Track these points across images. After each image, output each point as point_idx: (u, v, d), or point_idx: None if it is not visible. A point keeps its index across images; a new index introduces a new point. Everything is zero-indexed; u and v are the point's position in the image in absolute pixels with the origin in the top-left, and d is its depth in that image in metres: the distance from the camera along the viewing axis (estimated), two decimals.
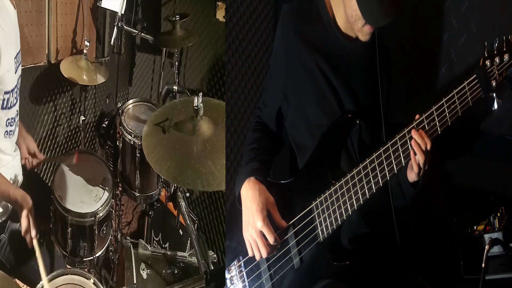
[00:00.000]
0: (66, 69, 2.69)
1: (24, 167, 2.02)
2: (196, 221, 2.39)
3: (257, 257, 1.54)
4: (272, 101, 1.70)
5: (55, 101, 3.02)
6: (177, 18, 2.69)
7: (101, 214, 2.25)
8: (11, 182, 1.87)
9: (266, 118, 1.73)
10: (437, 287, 1.61)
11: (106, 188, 2.36)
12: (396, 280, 1.60)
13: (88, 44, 2.77)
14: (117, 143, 2.54)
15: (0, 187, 1.73)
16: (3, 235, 1.86)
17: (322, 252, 1.52)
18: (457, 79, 1.38)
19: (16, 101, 1.78)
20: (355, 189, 1.47)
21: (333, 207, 1.50)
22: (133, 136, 2.41)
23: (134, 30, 2.84)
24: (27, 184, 1.96)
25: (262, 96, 1.83)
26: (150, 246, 2.45)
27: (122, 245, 2.58)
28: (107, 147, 2.74)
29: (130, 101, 2.61)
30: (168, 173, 1.63)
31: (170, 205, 2.54)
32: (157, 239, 3.00)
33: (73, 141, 3.28)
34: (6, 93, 1.68)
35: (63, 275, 1.82)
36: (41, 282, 1.75)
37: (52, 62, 2.82)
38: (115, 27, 2.78)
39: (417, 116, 1.42)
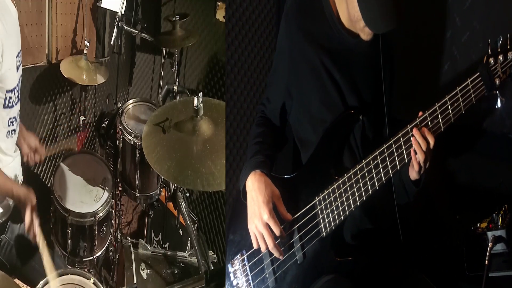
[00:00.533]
0: (66, 69, 2.69)
1: (27, 168, 2.02)
2: (196, 221, 2.40)
3: (263, 249, 1.54)
4: (276, 96, 1.71)
5: (55, 101, 3.02)
6: (177, 18, 2.69)
7: (101, 214, 2.26)
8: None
9: (269, 113, 1.73)
10: (440, 284, 1.60)
11: (106, 188, 2.36)
12: (399, 277, 1.60)
13: (88, 44, 2.77)
14: (117, 143, 2.54)
15: (3, 185, 1.73)
16: (3, 235, 1.86)
17: (325, 247, 1.53)
18: (460, 77, 1.37)
19: (18, 100, 1.78)
20: (358, 185, 1.47)
21: (336, 203, 1.50)
22: (133, 136, 2.41)
23: (134, 30, 2.84)
24: (27, 184, 1.96)
25: (265, 91, 1.83)
26: (150, 246, 2.45)
27: (122, 245, 2.58)
28: (107, 147, 2.74)
29: (130, 101, 2.61)
30: (168, 173, 1.63)
31: (170, 205, 2.54)
32: (157, 239, 3.00)
33: (73, 141, 3.28)
34: (8, 91, 1.68)
35: (63, 275, 1.82)
36: (41, 282, 1.75)
37: (52, 62, 2.82)
38: (115, 27, 2.78)
39: (420, 113, 1.42)
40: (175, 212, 2.65)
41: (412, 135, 1.40)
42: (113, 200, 2.47)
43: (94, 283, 1.83)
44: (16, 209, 1.83)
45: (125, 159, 2.55)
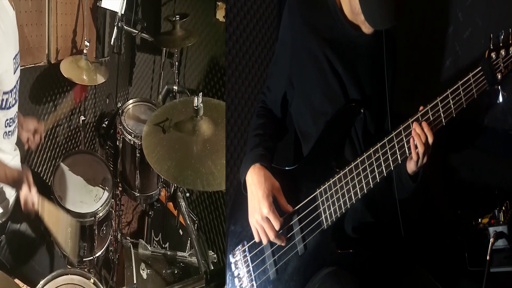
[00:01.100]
0: (66, 69, 2.69)
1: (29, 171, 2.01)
2: (196, 221, 2.40)
3: (264, 242, 1.55)
4: (277, 86, 1.71)
5: (55, 101, 3.02)
6: (177, 18, 2.69)
7: (101, 214, 2.26)
8: None
9: (270, 103, 1.73)
10: (441, 279, 1.61)
11: (106, 188, 2.36)
12: (400, 271, 1.60)
13: (88, 44, 2.77)
14: (117, 143, 2.54)
15: None
16: (3, 236, 1.86)
17: (326, 239, 1.53)
18: (462, 72, 1.37)
19: (15, 102, 1.78)
20: (359, 178, 1.47)
21: (337, 195, 1.51)
22: (133, 136, 2.41)
23: (134, 30, 2.84)
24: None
25: (266, 81, 1.83)
26: (150, 246, 2.46)
27: (122, 245, 2.58)
28: (107, 147, 2.74)
29: (130, 101, 2.61)
30: (168, 173, 1.63)
31: (170, 205, 2.54)
32: (157, 239, 3.00)
33: (73, 141, 3.28)
34: (4, 93, 1.68)
35: (63, 275, 1.82)
36: (41, 282, 1.75)
37: (52, 62, 2.81)
38: (115, 27, 2.78)
39: (421, 108, 1.42)
40: (175, 212, 2.65)
41: (413, 128, 1.41)
42: (113, 200, 2.47)
43: (94, 283, 1.83)
44: (16, 209, 1.82)
45: (125, 159, 2.55)
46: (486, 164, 2.07)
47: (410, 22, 1.99)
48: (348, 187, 1.49)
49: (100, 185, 2.37)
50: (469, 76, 1.35)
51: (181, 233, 2.75)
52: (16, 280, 1.88)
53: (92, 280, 1.84)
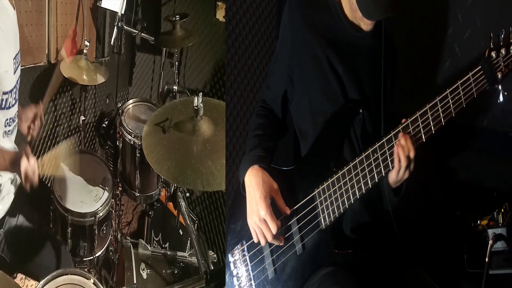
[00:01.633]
0: (66, 69, 2.69)
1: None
2: (196, 221, 2.40)
3: (262, 243, 1.55)
4: (277, 84, 1.70)
5: (55, 101, 3.02)
6: (177, 18, 2.69)
7: (101, 214, 2.26)
8: (10, 181, 1.87)
9: (270, 101, 1.73)
10: (440, 280, 1.61)
11: (106, 188, 2.36)
12: (399, 271, 1.61)
13: (88, 44, 2.77)
14: (117, 143, 2.54)
15: None
16: (1, 229, 1.85)
17: (324, 239, 1.53)
18: (462, 73, 1.37)
19: (15, 102, 1.78)
20: (358, 178, 1.47)
21: (336, 195, 1.51)
22: (133, 136, 2.41)
23: (134, 30, 2.84)
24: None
25: (266, 79, 1.83)
26: (150, 246, 2.45)
27: (122, 245, 2.58)
28: (107, 147, 2.74)
29: (130, 101, 2.61)
30: (168, 173, 1.63)
31: (170, 205, 2.54)
32: (157, 239, 3.00)
33: (73, 141, 3.28)
34: (4, 93, 1.68)
35: (63, 275, 1.82)
36: (41, 282, 1.75)
37: (52, 62, 2.81)
38: (115, 27, 2.78)
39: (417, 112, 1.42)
40: (175, 212, 2.65)
41: (414, 128, 1.40)
42: (113, 200, 2.47)
43: (94, 283, 1.83)
44: (13, 203, 1.83)
45: (125, 159, 2.55)
46: (486, 166, 2.07)
47: (410, 23, 1.99)
48: (346, 187, 1.49)
49: (100, 185, 2.37)
50: (469, 75, 1.35)
51: (181, 233, 2.75)
52: (18, 277, 1.88)
53: (92, 280, 1.83)
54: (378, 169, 1.45)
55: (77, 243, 2.26)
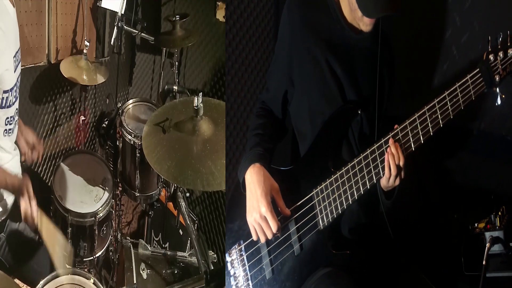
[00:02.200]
0: (66, 69, 2.69)
1: (25, 166, 2.01)
2: (196, 221, 2.40)
3: (262, 240, 1.56)
4: (276, 86, 1.71)
5: (55, 101, 3.02)
6: (177, 18, 2.69)
7: (101, 214, 2.26)
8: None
9: (270, 103, 1.74)
10: (438, 283, 1.61)
11: (106, 188, 2.36)
12: (396, 273, 1.61)
13: (88, 44, 2.77)
14: (117, 143, 2.54)
15: None
16: (2, 234, 1.85)
17: (322, 240, 1.53)
18: (459, 76, 1.38)
19: (16, 100, 1.78)
20: (356, 179, 1.48)
21: (334, 196, 1.51)
22: (133, 136, 2.41)
23: (134, 30, 2.84)
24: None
25: (266, 82, 1.83)
26: (150, 246, 2.45)
27: (122, 245, 2.58)
28: (107, 147, 2.74)
29: (130, 101, 2.61)
30: (168, 173, 1.63)
31: (170, 205, 2.54)
32: (157, 239, 3.00)
33: (73, 141, 3.28)
34: (5, 92, 1.68)
35: (63, 275, 1.82)
36: (41, 282, 1.75)
37: (52, 62, 2.81)
38: (115, 27, 2.77)
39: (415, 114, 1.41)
40: (175, 212, 2.65)
41: (412, 129, 1.40)
42: (113, 200, 2.47)
43: (94, 283, 1.83)
44: (15, 208, 1.82)
45: (125, 159, 2.55)
46: (483, 169, 2.07)
47: (408, 25, 1.99)
48: (344, 187, 1.49)
49: (100, 185, 2.37)
50: (466, 78, 1.35)
51: (181, 233, 2.75)
52: (16, 280, 1.88)
53: (92, 280, 1.84)
54: (376, 170, 1.45)
55: (77, 243, 2.26)
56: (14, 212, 1.83)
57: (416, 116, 1.40)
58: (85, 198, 2.29)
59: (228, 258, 1.69)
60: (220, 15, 2.94)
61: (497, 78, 1.32)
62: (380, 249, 1.64)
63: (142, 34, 2.82)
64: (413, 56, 2.05)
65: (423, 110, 1.39)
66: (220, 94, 3.06)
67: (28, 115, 2.81)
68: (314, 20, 1.59)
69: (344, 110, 1.57)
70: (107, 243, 2.45)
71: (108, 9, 2.83)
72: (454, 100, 1.36)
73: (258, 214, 1.51)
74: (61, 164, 2.37)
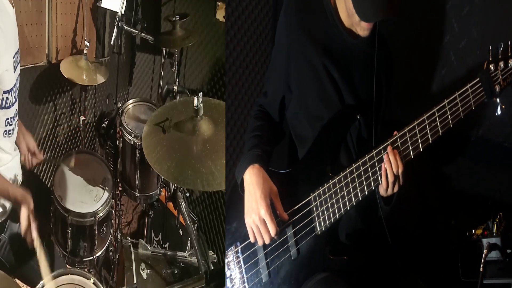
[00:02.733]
0: (66, 69, 2.69)
1: (23, 167, 2.02)
2: (196, 221, 2.39)
3: (260, 243, 1.55)
4: (274, 91, 1.71)
5: (55, 101, 3.02)
6: (177, 18, 2.69)
7: (101, 214, 2.25)
8: (11, 181, 1.87)
9: (268, 107, 1.74)
10: None
11: (106, 188, 2.36)
12: (394, 279, 1.60)
13: (88, 44, 2.77)
14: (117, 143, 2.54)
15: None
16: (2, 234, 1.86)
17: (319, 245, 1.53)
18: (457, 82, 1.37)
19: (15, 100, 1.78)
20: (354, 184, 1.47)
21: (331, 201, 1.50)
22: (133, 136, 2.41)
23: (134, 30, 2.84)
24: (26, 184, 1.96)
25: (263, 86, 1.83)
26: (150, 246, 2.45)
27: (122, 245, 2.58)
28: (107, 147, 2.74)
29: (130, 101, 2.61)
30: (168, 173, 1.63)
31: (170, 205, 2.54)
32: (157, 239, 3.00)
33: (73, 141, 3.28)
34: (5, 92, 1.68)
35: (63, 275, 1.82)
36: (41, 283, 1.75)
37: (52, 62, 2.81)
38: (115, 27, 2.77)
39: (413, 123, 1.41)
40: (175, 212, 2.65)
41: (411, 136, 1.40)
42: (113, 200, 2.47)
43: (94, 283, 1.83)
44: (15, 209, 1.82)
45: (125, 159, 2.55)
46: (481, 175, 2.08)
47: (407, 30, 1.99)
48: (342, 193, 1.49)
49: (100, 185, 2.36)
50: (466, 87, 1.34)
51: (181, 233, 2.75)
52: (16, 280, 1.88)
53: (92, 280, 1.83)
54: (375, 177, 1.45)
55: (77, 243, 2.26)
56: (14, 213, 1.83)
57: (415, 123, 1.40)
58: (85, 198, 2.29)
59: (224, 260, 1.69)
60: (220, 15, 2.94)
61: (497, 88, 1.32)
62: (377, 254, 1.64)
63: (142, 34, 2.82)
64: (411, 62, 2.06)
65: (423, 118, 1.39)
66: (220, 94, 3.06)
67: (28, 115, 2.81)
68: (311, 25, 1.59)
69: (342, 115, 1.57)
70: (107, 243, 2.44)
71: (108, 9, 2.83)
72: (454, 109, 1.35)
73: (257, 217, 1.50)
74: (61, 164, 2.37)
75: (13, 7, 1.70)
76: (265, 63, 2.49)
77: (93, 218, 2.22)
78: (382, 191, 1.47)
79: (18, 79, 1.78)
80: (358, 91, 1.58)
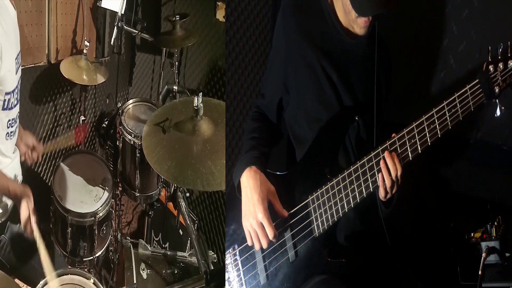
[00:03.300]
0: (66, 69, 2.69)
1: (25, 166, 2.01)
2: (196, 221, 2.39)
3: (257, 247, 1.54)
4: (272, 92, 1.70)
5: (55, 101, 3.02)
6: (177, 18, 2.69)
7: (101, 214, 2.26)
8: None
9: (265, 109, 1.73)
10: None
11: (106, 188, 2.36)
12: (393, 282, 1.60)
13: (88, 44, 2.77)
14: (117, 143, 2.54)
15: None
16: (3, 235, 1.86)
17: (317, 247, 1.52)
18: (456, 85, 1.37)
19: (17, 102, 1.78)
20: (352, 186, 1.46)
21: (329, 203, 1.49)
22: (133, 136, 2.41)
23: (134, 30, 2.84)
24: (27, 184, 1.96)
25: (261, 88, 1.82)
26: (150, 246, 2.45)
27: (122, 245, 2.58)
28: (107, 147, 2.74)
29: (130, 101, 2.61)
30: (168, 173, 1.62)
31: (170, 205, 2.53)
32: (157, 239, 3.00)
33: (73, 141, 3.27)
34: (7, 94, 1.68)
35: (63, 275, 1.82)
36: (41, 282, 1.75)
37: (52, 62, 2.81)
38: (115, 27, 2.78)
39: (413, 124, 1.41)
40: (175, 212, 2.65)
41: (409, 138, 1.39)
42: (113, 200, 2.47)
43: (94, 283, 1.83)
44: (15, 209, 1.82)
45: (125, 159, 2.55)
46: (479, 178, 2.08)
47: (406, 33, 2.00)
48: (340, 195, 1.48)
49: (100, 185, 2.36)
50: (466, 89, 1.33)
51: (181, 233, 2.75)
52: (16, 280, 1.88)
53: (92, 280, 1.83)
54: (373, 179, 1.44)
55: (77, 243, 2.26)
56: (15, 213, 1.83)
57: (414, 125, 1.39)
58: (85, 198, 2.29)
59: None
60: (220, 15, 2.94)
61: (497, 90, 1.31)
62: (376, 256, 1.63)
63: (142, 34, 2.83)
64: (410, 64, 2.06)
65: (421, 120, 1.37)
66: (220, 94, 3.06)
67: (28, 115, 2.81)
68: (308, 26, 1.58)
69: (341, 116, 1.56)
70: (107, 243, 2.45)
71: (108, 9, 2.83)
72: (453, 110, 1.34)
73: (255, 220, 1.49)
74: (61, 164, 2.37)
75: (15, 9, 1.70)
76: (264, 63, 2.49)
77: (93, 218, 2.22)
78: (381, 195, 1.47)
79: (20, 81, 1.78)
80: (356, 92, 1.58)
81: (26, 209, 1.69)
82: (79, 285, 1.82)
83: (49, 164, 3.08)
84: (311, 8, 1.60)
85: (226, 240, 1.68)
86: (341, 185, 1.48)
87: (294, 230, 1.54)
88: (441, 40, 2.08)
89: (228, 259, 1.66)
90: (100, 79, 2.81)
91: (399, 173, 1.39)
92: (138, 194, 2.54)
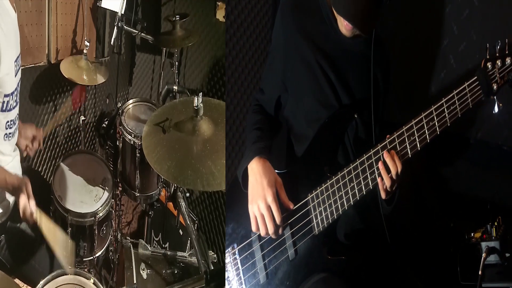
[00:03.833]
0: (66, 69, 2.69)
1: (27, 166, 2.01)
2: (196, 221, 2.39)
3: (263, 233, 1.54)
4: (271, 89, 1.71)
5: (55, 101, 3.02)
6: (177, 18, 2.69)
7: (101, 214, 2.26)
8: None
9: (264, 104, 1.74)
10: None
11: (106, 188, 2.36)
12: (393, 280, 1.60)
13: (88, 44, 2.76)
14: (117, 143, 2.54)
15: None
16: (3, 235, 1.86)
17: (317, 245, 1.52)
18: (457, 84, 1.37)
19: (16, 104, 1.78)
20: (352, 184, 1.47)
21: (329, 201, 1.50)
22: (133, 136, 2.41)
23: (134, 30, 2.84)
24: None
25: (260, 83, 1.83)
26: (150, 246, 2.45)
27: (122, 245, 2.58)
28: (107, 147, 2.74)
29: (130, 101, 2.61)
30: (168, 173, 1.63)
31: (170, 205, 2.54)
32: (157, 239, 3.00)
33: (73, 141, 3.28)
34: (6, 96, 1.68)
35: (63, 275, 1.82)
36: (41, 282, 1.75)
37: (52, 62, 2.81)
38: (115, 27, 2.78)
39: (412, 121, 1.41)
40: (175, 212, 2.65)
41: (409, 136, 1.39)
42: (113, 200, 2.47)
43: (94, 283, 1.83)
44: (16, 209, 1.82)
45: (125, 159, 2.55)
46: (479, 178, 2.08)
47: (406, 34, 2.00)
48: (340, 193, 1.48)
49: (100, 185, 2.37)
50: (464, 86, 1.34)
51: (181, 233, 2.75)
52: (16, 280, 1.88)
53: (92, 280, 1.84)
54: (373, 176, 1.44)
55: (77, 243, 2.26)
56: (15, 213, 1.83)
57: (413, 122, 1.39)
58: (85, 198, 2.29)
59: None
60: (220, 15, 2.94)
61: (495, 87, 1.31)
62: (376, 254, 1.63)
63: (142, 34, 2.83)
64: (410, 64, 2.07)
65: (420, 117, 1.38)
66: (220, 94, 3.06)
67: (28, 115, 2.81)
68: (307, 25, 1.58)
69: (340, 114, 1.57)
70: (107, 243, 2.45)
71: (108, 9, 2.83)
72: (452, 107, 1.35)
73: (263, 203, 1.50)
74: (61, 164, 2.37)
75: (15, 11, 1.70)
76: (264, 61, 2.49)
77: (93, 218, 2.22)
78: (382, 194, 1.47)
79: (19, 83, 1.78)
80: (354, 91, 1.58)
81: (24, 196, 1.68)
82: (79, 285, 1.83)
83: (49, 164, 3.08)
84: (310, 7, 1.60)
85: (225, 239, 1.68)
86: (341, 183, 1.48)
87: (294, 228, 1.54)
88: (441, 40, 2.08)
89: (228, 258, 1.66)
90: (100, 79, 2.81)
91: (399, 170, 1.39)
92: (138, 194, 2.54)
